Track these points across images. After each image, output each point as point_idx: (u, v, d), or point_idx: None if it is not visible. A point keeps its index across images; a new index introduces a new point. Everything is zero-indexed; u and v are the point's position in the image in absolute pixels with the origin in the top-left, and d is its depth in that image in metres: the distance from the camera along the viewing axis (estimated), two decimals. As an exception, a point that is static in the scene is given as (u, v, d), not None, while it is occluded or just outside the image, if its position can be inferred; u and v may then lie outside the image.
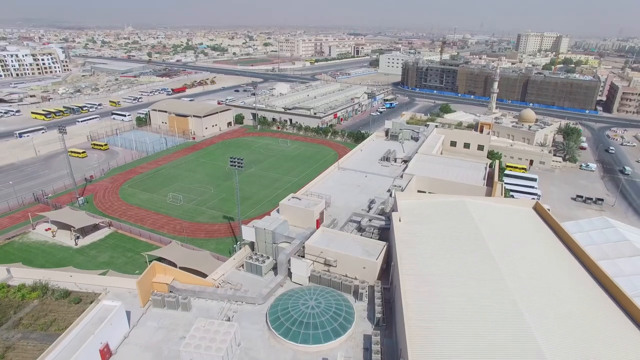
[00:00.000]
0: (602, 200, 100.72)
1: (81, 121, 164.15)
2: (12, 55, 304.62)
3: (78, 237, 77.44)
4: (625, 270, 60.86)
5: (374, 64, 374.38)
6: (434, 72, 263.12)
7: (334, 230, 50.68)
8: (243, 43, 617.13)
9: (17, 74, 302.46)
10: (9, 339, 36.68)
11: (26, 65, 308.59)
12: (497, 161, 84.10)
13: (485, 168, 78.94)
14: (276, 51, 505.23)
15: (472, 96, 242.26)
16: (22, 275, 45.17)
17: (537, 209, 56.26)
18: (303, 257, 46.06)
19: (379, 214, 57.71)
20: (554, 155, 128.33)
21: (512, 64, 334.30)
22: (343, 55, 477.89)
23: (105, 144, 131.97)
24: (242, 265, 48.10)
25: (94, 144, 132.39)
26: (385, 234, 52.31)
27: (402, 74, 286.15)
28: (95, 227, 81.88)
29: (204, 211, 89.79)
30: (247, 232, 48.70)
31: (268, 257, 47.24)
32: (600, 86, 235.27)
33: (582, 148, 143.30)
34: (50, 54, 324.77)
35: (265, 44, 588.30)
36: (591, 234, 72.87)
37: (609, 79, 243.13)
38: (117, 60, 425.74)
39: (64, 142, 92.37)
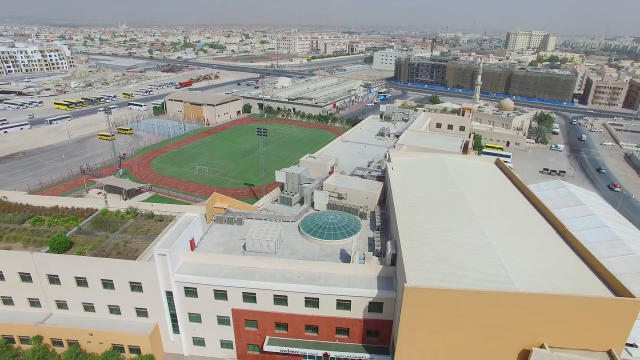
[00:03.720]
0: (564, 172, 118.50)
1: (102, 110, 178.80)
2: (21, 52, 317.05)
3: (126, 199, 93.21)
4: (567, 215, 77.95)
5: (368, 60, 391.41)
6: (424, 67, 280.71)
7: (344, 175, 67.35)
8: (240, 41, 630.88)
9: (27, 70, 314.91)
10: (124, 237, 52.59)
11: (35, 61, 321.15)
12: (472, 135, 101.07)
13: (463, 140, 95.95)
14: (273, 49, 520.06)
15: (460, 90, 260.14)
16: (115, 205, 61.12)
17: (497, 163, 73.45)
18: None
19: (376, 169, 74.39)
20: (528, 137, 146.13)
21: (499, 60, 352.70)
22: (338, 52, 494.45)
23: (130, 129, 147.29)
24: (276, 199, 64.54)
25: (120, 129, 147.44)
26: (381, 179, 68.90)
27: (395, 70, 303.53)
28: (138, 192, 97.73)
29: (228, 180, 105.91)
30: (279, 176, 65.18)
31: (296, 193, 63.67)
32: (579, 81, 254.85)
33: (555, 133, 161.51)
34: (57, 50, 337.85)
35: (262, 42, 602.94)
36: (547, 192, 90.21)
37: (586, 74, 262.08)
38: (118, 57, 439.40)
39: (109, 122, 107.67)
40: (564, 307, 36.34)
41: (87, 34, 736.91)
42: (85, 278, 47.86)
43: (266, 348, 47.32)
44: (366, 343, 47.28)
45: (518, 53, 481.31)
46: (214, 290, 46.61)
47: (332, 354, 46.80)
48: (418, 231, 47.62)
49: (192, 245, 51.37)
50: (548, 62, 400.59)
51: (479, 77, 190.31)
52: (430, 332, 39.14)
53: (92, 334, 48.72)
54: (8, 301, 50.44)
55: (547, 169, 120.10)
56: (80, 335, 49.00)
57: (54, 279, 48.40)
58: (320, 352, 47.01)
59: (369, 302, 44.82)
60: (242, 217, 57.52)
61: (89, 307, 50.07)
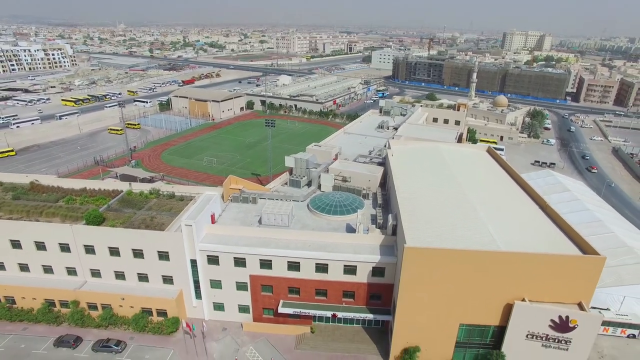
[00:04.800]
0: (554, 164, 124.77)
1: (109, 107, 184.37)
2: (25, 51, 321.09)
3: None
4: (554, 200, 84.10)
5: (367, 59, 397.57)
6: (422, 66, 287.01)
7: (348, 161, 73.16)
8: (239, 40, 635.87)
9: (30, 68, 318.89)
10: (150, 214, 58.19)
11: (38, 59, 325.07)
12: (466, 127, 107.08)
13: (457, 132, 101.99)
14: (272, 48, 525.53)
15: (457, 88, 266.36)
16: (138, 187, 66.68)
17: (489, 151, 79.50)
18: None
19: (376, 156, 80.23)
20: (521, 132, 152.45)
21: (495, 60, 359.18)
22: (337, 52, 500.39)
23: (138, 124, 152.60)
24: (286, 182, 70.31)
25: (128, 124, 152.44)
26: (381, 165, 74.71)
27: (393, 69, 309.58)
28: (151, 181, 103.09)
29: (235, 170, 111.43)
30: (289, 161, 70.99)
31: (304, 176, 69.43)
32: (572, 79, 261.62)
33: (546, 128, 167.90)
34: (60, 49, 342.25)
35: (261, 41, 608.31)
36: (537, 180, 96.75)
37: (578, 73, 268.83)
38: (119, 56, 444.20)
39: (122, 115, 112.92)
40: (540, 264, 42.24)
41: (86, 33, 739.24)
42: (117, 248, 53.46)
43: (281, 310, 53.02)
44: (370, 305, 53.05)
45: (514, 53, 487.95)
46: (234, 257, 52.23)
47: (339, 314, 52.58)
48: (416, 205, 53.53)
49: (213, 220, 56.99)
50: (543, 62, 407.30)
51: (474, 75, 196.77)
52: (426, 289, 44.96)
53: (124, 299, 54.31)
54: (48, 270, 56.00)
55: (538, 161, 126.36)
56: (113, 300, 54.59)
57: (89, 249, 53.98)
58: (328, 313, 52.76)
59: (373, 267, 50.56)
60: (256, 196, 63.19)
61: (120, 276, 55.66)
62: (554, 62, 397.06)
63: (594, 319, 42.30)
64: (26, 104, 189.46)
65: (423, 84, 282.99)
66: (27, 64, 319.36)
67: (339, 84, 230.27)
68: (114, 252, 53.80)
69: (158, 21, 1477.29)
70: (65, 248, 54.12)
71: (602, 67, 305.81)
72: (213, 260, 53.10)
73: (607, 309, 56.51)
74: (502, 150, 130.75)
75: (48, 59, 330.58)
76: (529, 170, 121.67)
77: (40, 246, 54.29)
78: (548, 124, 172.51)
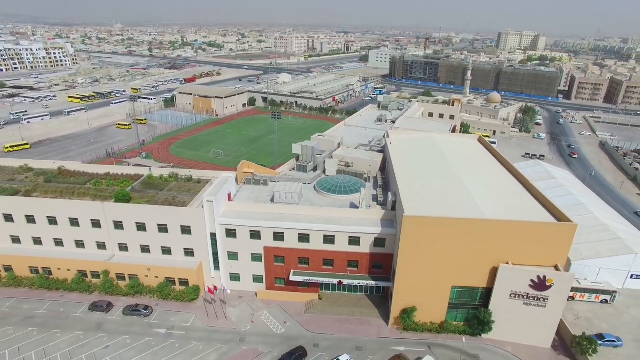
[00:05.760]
0: (543, 156, 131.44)
1: (114, 103, 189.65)
2: (26, 49, 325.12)
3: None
4: (541, 186, 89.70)
5: (364, 59, 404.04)
6: (418, 65, 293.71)
7: (350, 148, 79.23)
8: (237, 40, 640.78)
9: (32, 67, 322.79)
10: (171, 194, 64.03)
11: (40, 58, 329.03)
12: (460, 122, 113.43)
13: (451, 125, 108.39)
14: (270, 47, 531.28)
15: (452, 86, 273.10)
16: (158, 172, 72.52)
17: (480, 140, 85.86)
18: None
19: (376, 145, 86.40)
20: (513, 127, 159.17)
21: (490, 59, 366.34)
22: (334, 51, 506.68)
23: (145, 119, 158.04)
24: (293, 168, 76.32)
25: (135, 119, 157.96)
26: (381, 152, 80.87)
27: (390, 67, 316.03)
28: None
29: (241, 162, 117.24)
30: (296, 148, 76.98)
31: (310, 162, 75.44)
32: (564, 78, 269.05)
33: (538, 124, 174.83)
34: (61, 48, 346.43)
35: (259, 41, 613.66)
36: (526, 170, 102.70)
37: (570, 71, 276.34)
38: (119, 55, 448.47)
39: (134, 110, 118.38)
40: (521, 230, 48.45)
41: (83, 32, 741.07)
42: (144, 223, 59.22)
43: (292, 278, 58.99)
44: (372, 274, 59.11)
45: (509, 52, 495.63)
46: (250, 230, 58.14)
47: (345, 281, 58.62)
48: (413, 183, 59.70)
49: (230, 198, 62.86)
50: (537, 61, 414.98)
51: (469, 73, 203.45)
52: (423, 254, 51.03)
53: (149, 269, 60.11)
54: (80, 245, 61.71)
55: (529, 154, 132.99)
56: (140, 271, 60.37)
57: (118, 225, 59.72)
58: (335, 281, 58.79)
59: (375, 238, 56.61)
60: (267, 179, 69.17)
61: (145, 249, 61.42)
62: (547, 62, 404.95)
63: (567, 277, 48.56)
64: (33, 101, 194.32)
65: (419, 82, 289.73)
66: (29, 62, 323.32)
67: (338, 81, 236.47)
68: (141, 227, 59.54)
69: (154, 21, 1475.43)
70: (96, 224, 59.84)
71: (594, 67, 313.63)
72: (231, 233, 58.97)
73: (585, 279, 62.85)
74: (494, 143, 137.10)
75: (50, 58, 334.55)
76: (520, 162, 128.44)
77: (74, 222, 59.98)
78: (539, 119, 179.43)
